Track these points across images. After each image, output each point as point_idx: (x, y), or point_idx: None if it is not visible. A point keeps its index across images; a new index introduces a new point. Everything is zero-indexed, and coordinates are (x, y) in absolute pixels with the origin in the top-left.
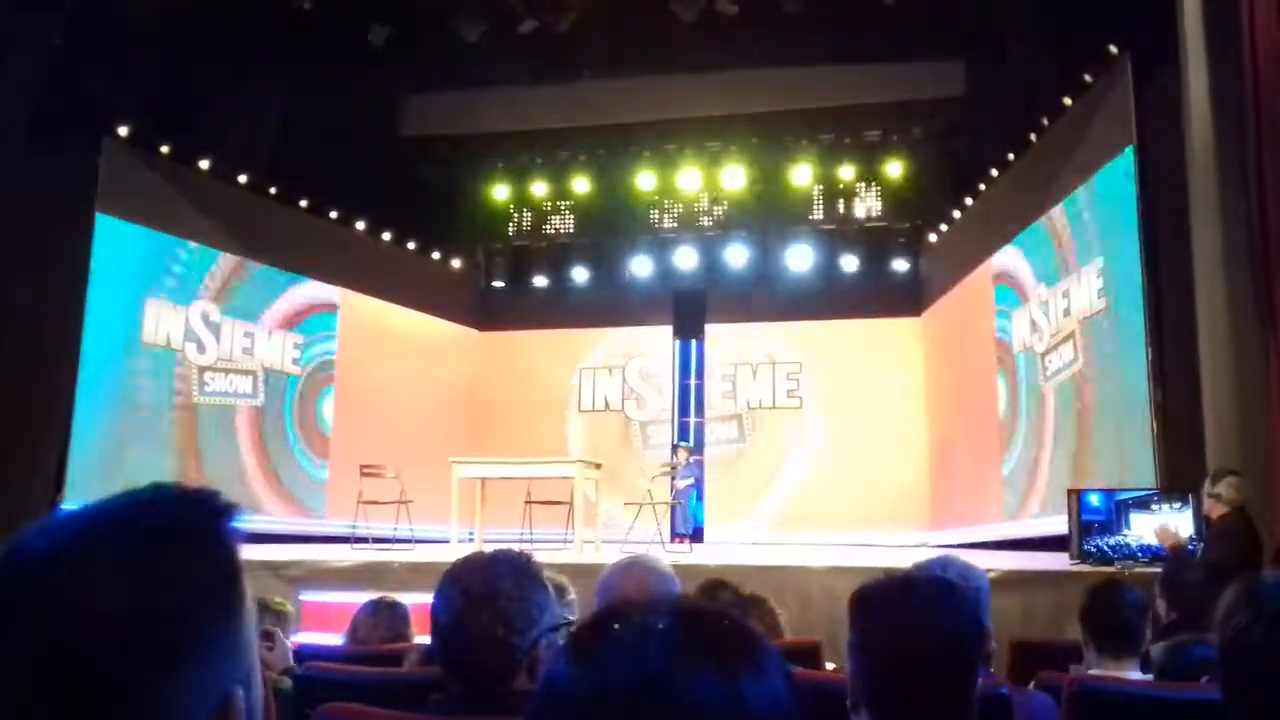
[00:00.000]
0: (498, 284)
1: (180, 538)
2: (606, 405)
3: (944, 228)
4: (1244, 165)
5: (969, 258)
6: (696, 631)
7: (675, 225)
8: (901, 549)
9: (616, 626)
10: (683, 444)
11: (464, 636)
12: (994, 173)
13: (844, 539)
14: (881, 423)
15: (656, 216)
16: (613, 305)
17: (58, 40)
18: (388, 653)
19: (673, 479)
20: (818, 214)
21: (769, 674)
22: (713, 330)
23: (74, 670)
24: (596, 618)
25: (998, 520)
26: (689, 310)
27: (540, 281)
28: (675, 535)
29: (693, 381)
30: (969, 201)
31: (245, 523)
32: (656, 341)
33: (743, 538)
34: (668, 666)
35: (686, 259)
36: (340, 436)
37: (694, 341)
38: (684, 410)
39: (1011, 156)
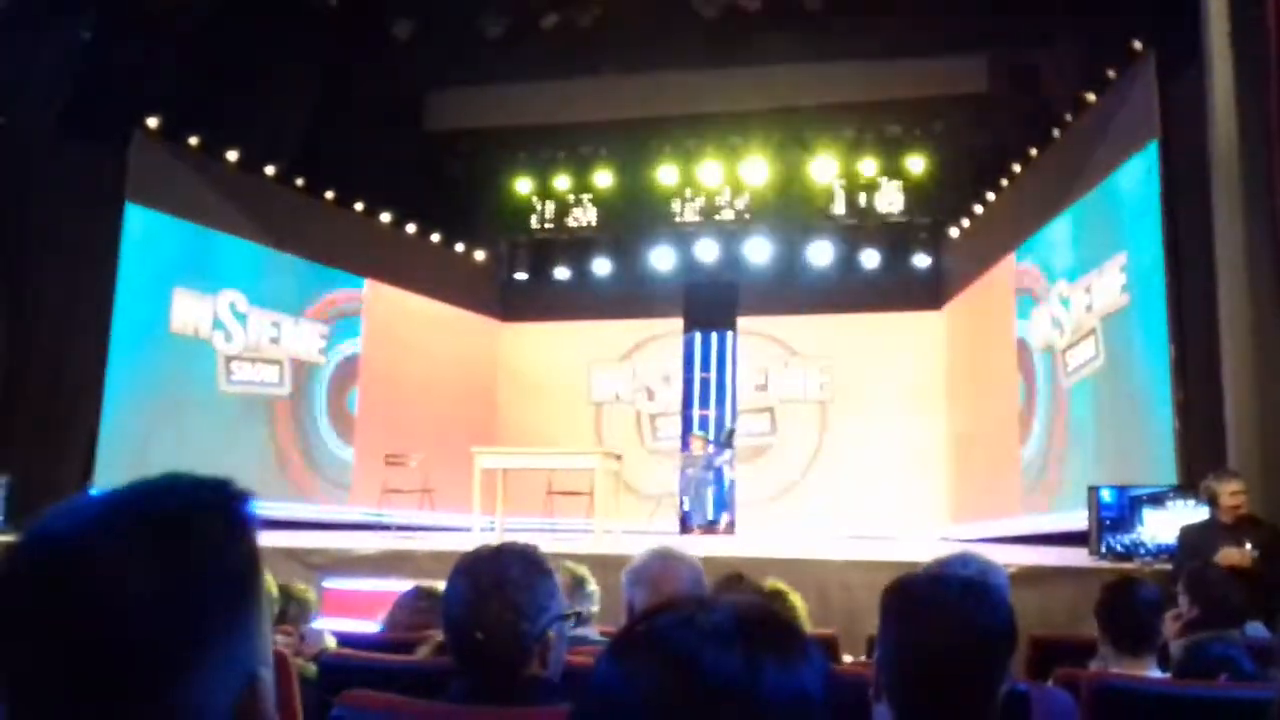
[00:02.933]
0: (520, 276)
1: (200, 523)
2: (617, 398)
3: (965, 223)
4: (1268, 161)
5: (990, 253)
6: (752, 630)
7: (697, 219)
8: (920, 544)
9: (670, 624)
10: (700, 433)
11: (475, 626)
12: (1016, 168)
13: (864, 531)
14: (902, 416)
15: (678, 210)
16: (632, 298)
17: (88, 34)
18: (418, 640)
19: (684, 469)
20: (839, 209)
21: (817, 667)
22: (743, 323)
23: (101, 652)
24: (646, 618)
25: (1017, 515)
26: (715, 303)
27: (562, 274)
28: (688, 526)
29: (713, 375)
30: (990, 197)
31: (267, 510)
32: (671, 335)
33: (771, 529)
34: (728, 665)
35: (707, 253)
36: (365, 425)
37: (714, 334)
38: (690, 403)
39: (1034, 152)
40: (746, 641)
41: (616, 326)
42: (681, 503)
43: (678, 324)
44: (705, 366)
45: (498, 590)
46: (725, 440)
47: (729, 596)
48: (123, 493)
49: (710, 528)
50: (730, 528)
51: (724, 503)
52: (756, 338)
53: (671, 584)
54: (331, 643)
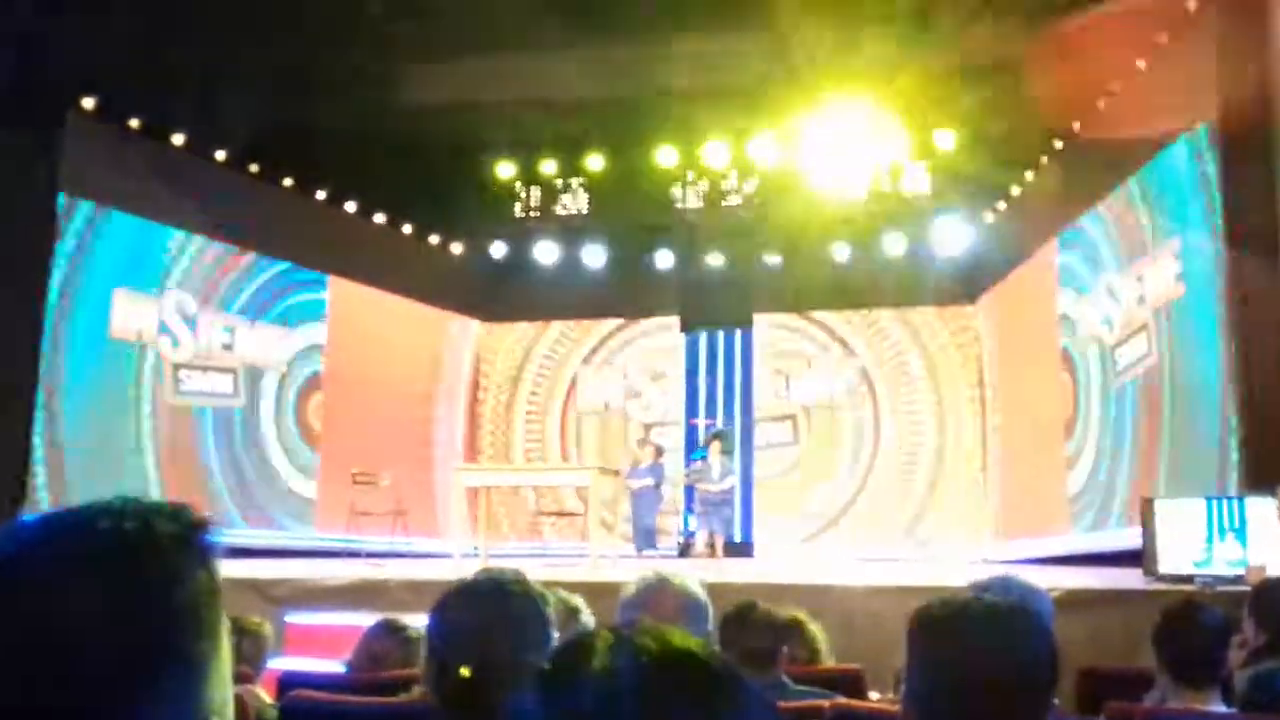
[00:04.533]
0: (501, 269)
1: (155, 552)
2: (606, 406)
3: (1001, 205)
4: None
5: (1030, 239)
6: (669, 675)
7: (700, 205)
8: (959, 566)
9: (586, 662)
10: (650, 440)
11: (467, 661)
12: (1058, 144)
13: (896, 553)
14: (937, 422)
15: (680, 195)
16: (628, 294)
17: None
18: (392, 680)
19: (629, 479)
20: (861, 190)
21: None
22: (760, 320)
23: (41, 688)
24: (567, 650)
25: (1063, 532)
26: (725, 298)
27: (548, 267)
28: (639, 549)
29: (720, 379)
30: (1029, 176)
31: (224, 537)
32: (670, 334)
33: (792, 550)
34: (637, 712)
35: (713, 242)
36: (330, 440)
37: (720, 333)
38: (694, 410)
39: (1077, 126)
40: (644, 699)
41: (610, 327)
42: (685, 523)
43: (676, 323)
44: (712, 369)
45: (495, 623)
46: (706, 445)
47: (649, 631)
48: (70, 516)
49: (684, 550)
50: (714, 549)
51: (728, 521)
52: (778, 334)
53: (661, 613)
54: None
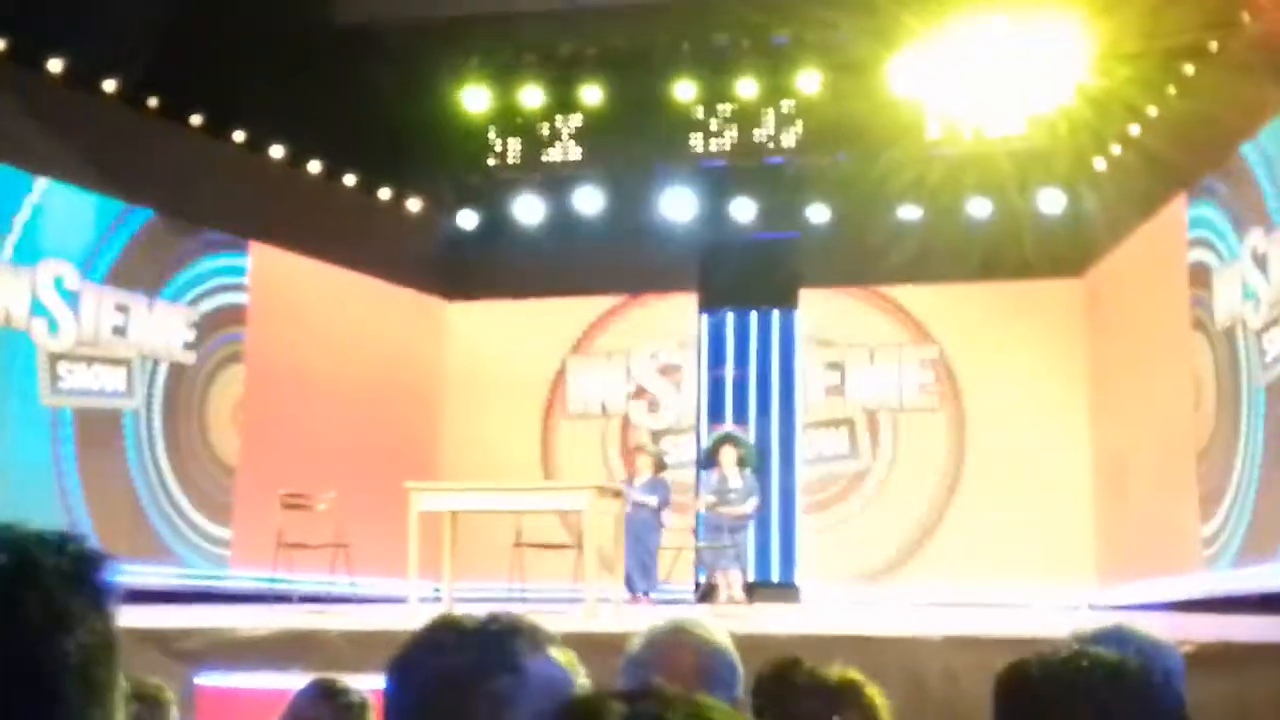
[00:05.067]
0: (471, 233)
1: (35, 593)
2: (603, 409)
3: (1116, 150)
4: None
5: (1152, 194)
6: None
7: (727, 150)
8: (1057, 612)
9: None
10: (647, 448)
11: None
12: (1188, 69)
13: (977, 595)
14: (1026, 429)
15: (699, 140)
16: (633, 265)
17: None
18: None
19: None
20: (933, 133)
21: None
22: (806, 297)
23: None
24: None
25: (1196, 569)
26: (759, 271)
27: (532, 229)
28: (634, 590)
29: (753, 373)
30: (1152, 112)
31: (121, 577)
32: (684, 316)
33: (845, 592)
34: None
35: (743, 199)
36: (252, 451)
37: (753, 313)
38: (719, 414)
39: (1214, 45)
40: None
41: (609, 306)
42: (698, 558)
43: (695, 301)
44: (742, 361)
45: (464, 688)
46: (707, 459)
47: (668, 698)
48: None
49: (705, 594)
50: (719, 590)
51: (742, 554)
52: (830, 314)
53: (678, 674)
54: None
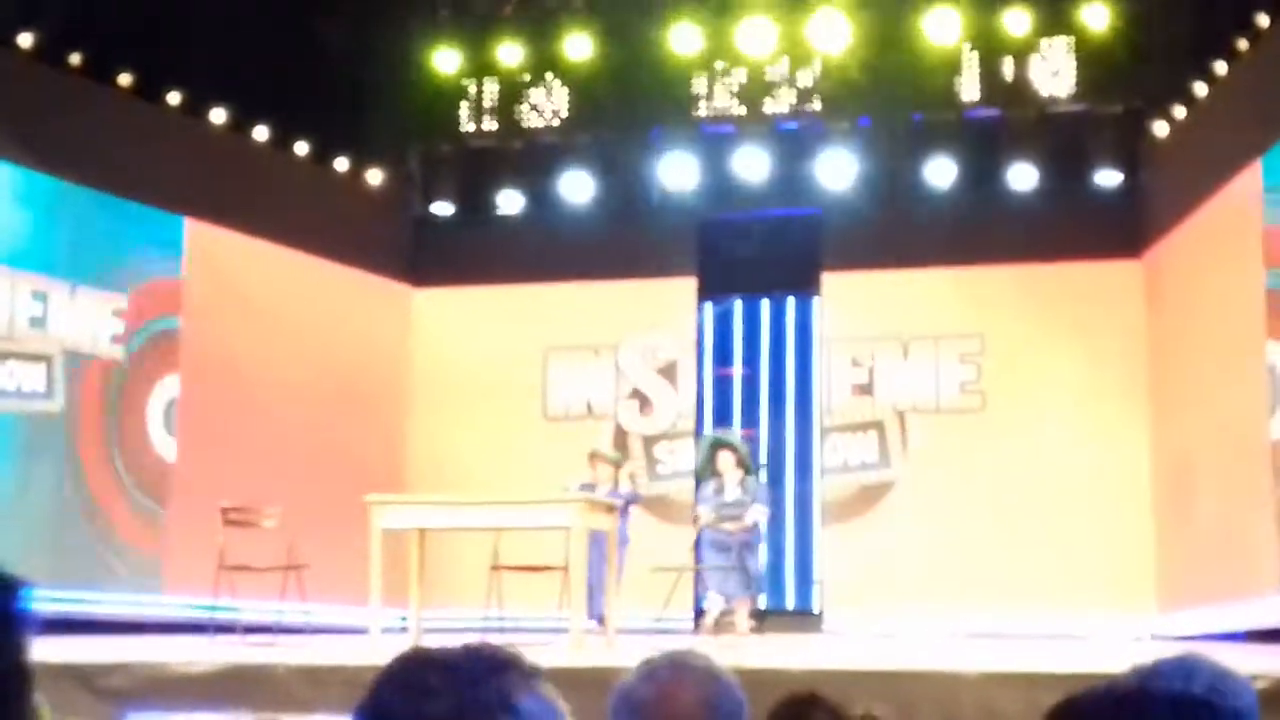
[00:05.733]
0: (441, 210)
1: None
2: (589, 410)
3: (1179, 113)
4: None
5: (1221, 162)
6: None
7: (734, 110)
8: (1113, 643)
9: None
10: (604, 454)
11: None
12: (1262, 20)
13: (1020, 625)
14: (1078, 432)
15: (702, 97)
16: (625, 244)
17: None
18: None
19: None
20: (970, 93)
21: None
22: (830, 281)
23: None
24: None
25: (1271, 592)
26: (771, 250)
27: (509, 206)
28: (706, 620)
29: (765, 369)
30: (1220, 69)
31: (39, 604)
32: (684, 304)
33: (871, 621)
34: None
35: (752, 164)
36: (189, 460)
37: (764, 301)
38: (722, 417)
39: None
40: None
41: (596, 293)
42: (698, 582)
43: (695, 285)
44: (752, 358)
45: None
46: (703, 469)
47: None
48: None
49: (710, 619)
50: (723, 620)
51: (753, 578)
52: (856, 302)
53: (676, 714)
54: None
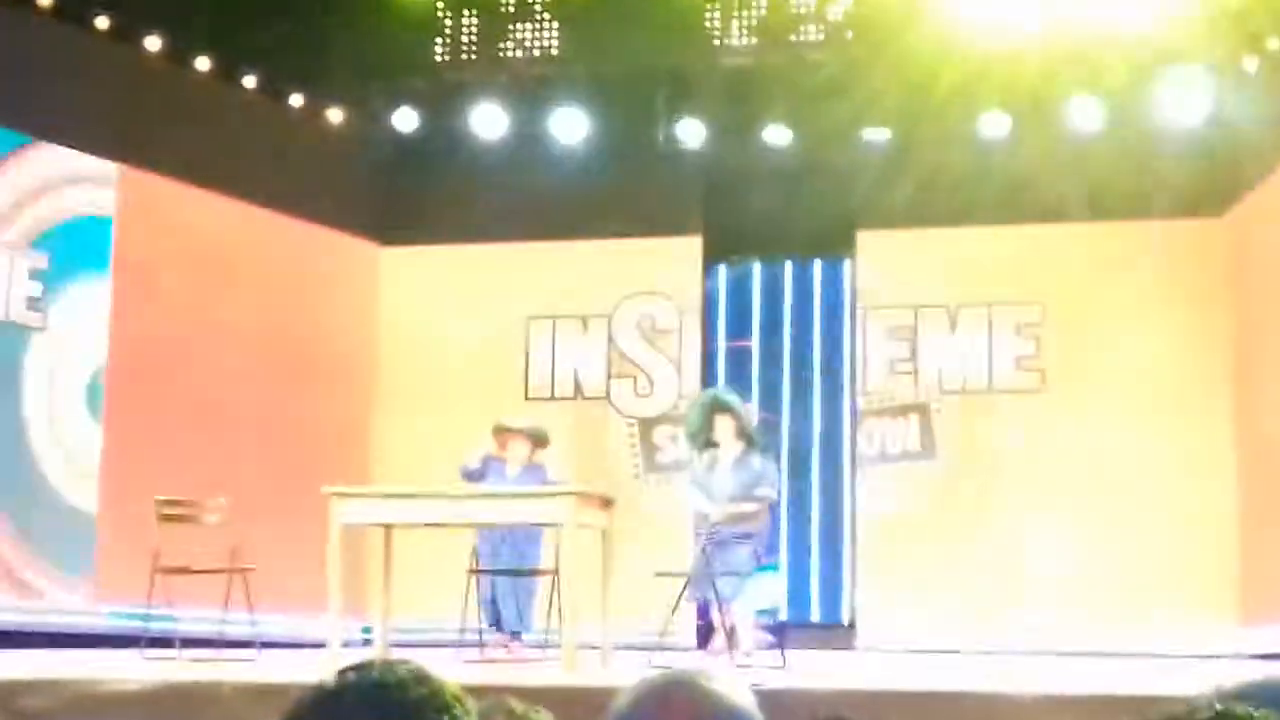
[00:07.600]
0: (412, 153)
1: None
2: (578, 389)
3: (1274, 43)
4: None
5: None
6: None
7: (752, 41)
8: (1191, 662)
9: None
10: (514, 424)
11: None
12: None
13: (1083, 641)
14: (1150, 417)
15: (716, 27)
16: (625, 197)
17: None
18: None
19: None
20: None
21: None
22: (864, 241)
23: None
24: None
25: None
26: (796, 206)
27: (492, 149)
28: (498, 626)
29: (786, 342)
30: None
31: None
32: (688, 267)
33: (912, 636)
34: None
35: (773, 109)
36: (117, 444)
37: (788, 264)
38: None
39: None
40: None
41: (590, 251)
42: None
43: (700, 246)
44: (772, 331)
45: None
46: (696, 432)
47: None
48: None
49: (720, 635)
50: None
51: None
52: (895, 267)
53: None
54: None
